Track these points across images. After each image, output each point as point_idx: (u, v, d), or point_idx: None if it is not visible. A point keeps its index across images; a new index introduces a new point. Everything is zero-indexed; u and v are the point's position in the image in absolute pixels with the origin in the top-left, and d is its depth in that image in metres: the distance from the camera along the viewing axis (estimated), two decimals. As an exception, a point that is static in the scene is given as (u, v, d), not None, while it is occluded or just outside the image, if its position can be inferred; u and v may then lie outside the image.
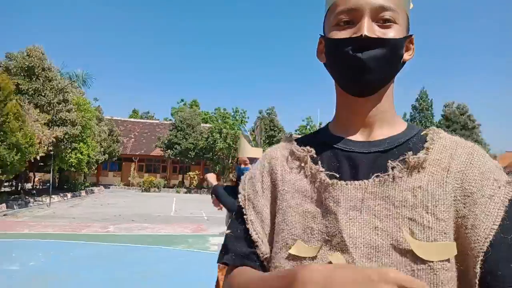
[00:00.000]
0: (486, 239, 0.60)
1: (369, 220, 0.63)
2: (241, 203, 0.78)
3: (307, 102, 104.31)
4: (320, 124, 34.55)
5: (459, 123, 32.03)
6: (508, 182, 0.64)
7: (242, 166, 3.08)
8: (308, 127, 40.52)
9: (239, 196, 0.79)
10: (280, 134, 31.33)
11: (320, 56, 0.79)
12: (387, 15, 0.67)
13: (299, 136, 0.87)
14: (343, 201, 0.65)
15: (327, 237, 0.65)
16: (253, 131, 3.37)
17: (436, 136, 0.71)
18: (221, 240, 0.88)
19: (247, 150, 3.12)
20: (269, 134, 31.10)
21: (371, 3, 0.67)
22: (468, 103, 33.95)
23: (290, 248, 0.67)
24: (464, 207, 0.62)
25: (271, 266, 0.70)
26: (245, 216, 0.75)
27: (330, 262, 0.62)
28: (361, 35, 0.65)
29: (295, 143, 0.78)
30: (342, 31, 0.69)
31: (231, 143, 28.45)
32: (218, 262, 0.78)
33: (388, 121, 0.74)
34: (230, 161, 29.70)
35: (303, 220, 0.68)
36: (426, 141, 0.70)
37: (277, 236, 0.71)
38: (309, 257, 0.65)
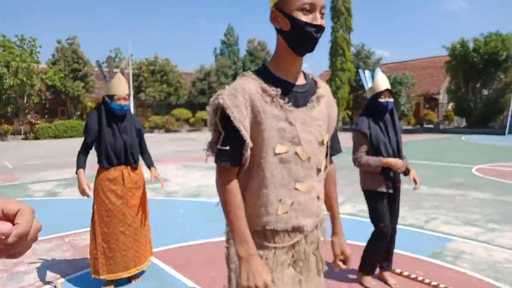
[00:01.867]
0: (333, 128, 1.35)
1: (307, 128, 1.21)
2: (235, 124, 1.13)
3: (114, 32, 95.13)
4: (131, 56, 32.53)
5: (260, 58, 35.85)
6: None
7: (122, 102, 2.89)
8: (117, 58, 37.69)
9: (232, 118, 1.13)
10: (86, 67, 28.07)
11: (275, 22, 1.17)
12: (323, 11, 1.15)
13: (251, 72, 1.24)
14: (297, 119, 1.19)
15: (292, 139, 1.19)
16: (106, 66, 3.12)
17: (317, 79, 1.33)
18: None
19: (124, 86, 2.96)
20: (74, 67, 27.48)
21: (321, 2, 1.14)
22: (267, 40, 38.26)
23: (274, 149, 1.17)
24: (332, 114, 1.35)
25: (263, 161, 1.17)
26: (241, 133, 1.13)
27: (296, 152, 1.18)
28: (320, 24, 1.13)
29: (263, 81, 1.18)
30: (305, 16, 1.12)
31: (24, 78, 23.96)
32: (225, 165, 1.17)
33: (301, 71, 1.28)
34: (25, 100, 25.24)
35: (278, 132, 1.17)
36: (316, 82, 1.29)
37: (261, 143, 1.16)
38: (284, 152, 1.17)
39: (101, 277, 2.88)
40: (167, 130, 30.24)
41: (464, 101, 25.59)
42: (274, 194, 1.19)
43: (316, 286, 1.32)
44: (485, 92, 25.14)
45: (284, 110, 1.17)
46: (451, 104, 28.56)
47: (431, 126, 29.20)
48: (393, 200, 2.95)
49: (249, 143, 1.15)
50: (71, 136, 24.74)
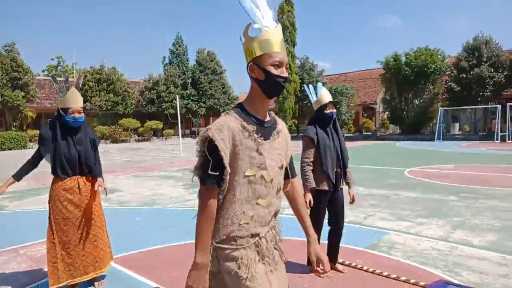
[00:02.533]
0: (289, 156, 1.69)
1: (270, 156, 1.54)
2: (221, 153, 1.42)
3: (56, 39, 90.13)
4: (75, 63, 31.10)
5: (210, 68, 36.04)
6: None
7: (77, 115, 3.01)
8: (60, 67, 35.84)
9: (220, 147, 1.42)
10: (26, 76, 26.35)
11: (252, 73, 1.52)
12: (287, 66, 1.53)
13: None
14: (265, 149, 1.51)
15: (260, 165, 1.50)
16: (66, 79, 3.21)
17: (276, 117, 1.67)
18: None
19: (79, 99, 3.09)
20: (12, 76, 25.68)
21: (286, 61, 1.51)
22: (216, 50, 38.79)
23: (245, 172, 1.48)
24: (288, 145, 1.68)
25: (235, 182, 1.47)
26: (223, 161, 1.43)
27: (262, 175, 1.50)
28: (286, 77, 1.52)
29: (242, 119, 1.50)
30: (275, 70, 1.49)
31: None
32: (206, 185, 1.45)
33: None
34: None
35: (250, 160, 1.49)
36: (275, 119, 1.65)
37: (235, 169, 1.47)
38: (252, 175, 1.48)
39: (62, 284, 2.96)
40: (114, 140, 29.25)
41: (397, 110, 27.76)
42: (239, 208, 1.50)
43: (283, 274, 1.64)
44: (417, 101, 27.47)
45: (257, 143, 1.49)
46: (386, 113, 30.76)
47: (369, 133, 31.22)
48: (335, 198, 3.38)
49: (228, 170, 1.45)
50: (10, 149, 23.06)
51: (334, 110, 3.36)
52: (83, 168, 3.07)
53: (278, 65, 1.49)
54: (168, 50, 38.37)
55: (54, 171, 3.01)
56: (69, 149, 3.00)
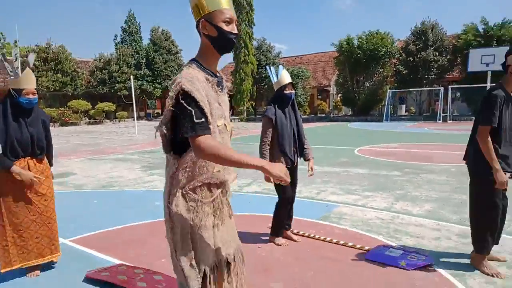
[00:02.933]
0: None
1: (225, 107, 1.68)
2: (201, 103, 1.49)
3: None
4: (17, 41, 28.84)
5: (165, 48, 34.99)
6: None
7: (31, 96, 2.95)
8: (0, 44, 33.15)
9: (198, 98, 1.48)
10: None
11: (204, 30, 1.58)
12: (237, 23, 1.62)
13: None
14: (222, 101, 1.66)
15: (222, 115, 1.63)
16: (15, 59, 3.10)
17: (219, 72, 1.72)
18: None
19: (33, 80, 3.03)
20: None
21: (235, 17, 1.60)
22: (171, 29, 37.58)
23: (217, 123, 1.58)
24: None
25: (212, 132, 1.53)
26: (205, 110, 1.50)
27: (225, 125, 1.65)
28: (237, 33, 1.60)
29: (203, 72, 1.59)
30: (227, 27, 1.57)
31: None
32: (199, 134, 1.47)
33: None
34: None
35: (216, 110, 1.59)
36: (220, 75, 1.72)
37: (211, 118, 1.54)
38: (221, 125, 1.61)
39: (15, 267, 2.95)
40: (64, 124, 27.83)
41: (350, 92, 28.84)
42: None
43: (231, 228, 1.78)
44: (367, 84, 28.67)
45: (217, 94, 1.62)
46: (339, 95, 31.83)
47: (324, 115, 32.24)
48: (292, 173, 3.63)
49: (210, 119, 1.53)
50: None
51: (293, 91, 3.57)
52: (35, 150, 3.03)
53: (229, 22, 1.58)
54: (120, 28, 36.64)
55: (3, 153, 2.92)
56: (21, 131, 2.94)
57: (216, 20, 1.56)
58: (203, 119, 1.49)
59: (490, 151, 2.75)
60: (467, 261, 3.12)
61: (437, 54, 25.02)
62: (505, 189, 2.91)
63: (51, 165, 3.26)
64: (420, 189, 5.79)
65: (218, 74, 1.69)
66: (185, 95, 1.47)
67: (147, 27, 58.20)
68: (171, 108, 1.51)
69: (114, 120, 31.93)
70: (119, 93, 31.82)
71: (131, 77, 18.73)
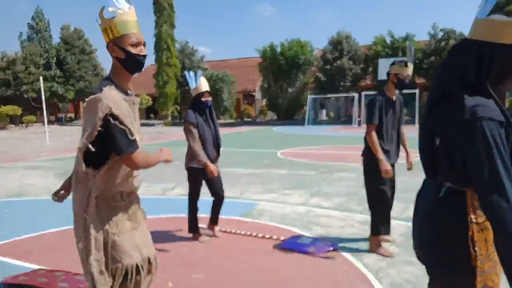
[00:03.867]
0: None
1: (137, 124, 1.81)
2: (129, 124, 1.64)
3: None
4: None
5: (77, 47, 32.79)
6: None
7: None
8: None
9: (127, 119, 1.64)
10: None
11: (114, 53, 1.71)
12: (145, 44, 1.77)
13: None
14: (135, 118, 1.76)
15: (138, 130, 1.75)
16: None
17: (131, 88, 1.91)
18: None
19: None
20: None
21: (143, 40, 1.74)
22: (83, 27, 35.39)
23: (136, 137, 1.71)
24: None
25: None
26: (132, 128, 1.66)
27: (140, 138, 1.74)
28: (145, 54, 1.74)
29: (122, 94, 1.73)
30: (135, 49, 1.70)
31: None
32: (132, 151, 1.65)
33: None
34: None
35: (133, 126, 1.69)
36: (131, 91, 1.86)
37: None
38: (139, 139, 1.73)
39: None
40: (-43, 129, 24.60)
41: (274, 97, 30.05)
42: (123, 169, 1.77)
43: (146, 229, 1.95)
44: (290, 90, 30.13)
45: (132, 112, 1.74)
46: (264, 100, 32.94)
47: (250, 119, 33.05)
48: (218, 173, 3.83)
49: (135, 136, 1.69)
50: None
51: (210, 99, 3.77)
52: None
53: (136, 45, 1.70)
54: (26, 25, 33.56)
55: None
56: None
57: (123, 43, 1.68)
58: (134, 137, 1.68)
59: (375, 145, 3.26)
60: (366, 243, 3.61)
61: (351, 62, 27.27)
62: (393, 180, 3.46)
63: None
64: (332, 186, 6.39)
65: (130, 91, 1.81)
66: (115, 117, 1.61)
67: (57, 25, 53.76)
68: (99, 128, 1.60)
69: (20, 125, 29.08)
70: (25, 96, 29.11)
71: (40, 78, 17.28)
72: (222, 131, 3.97)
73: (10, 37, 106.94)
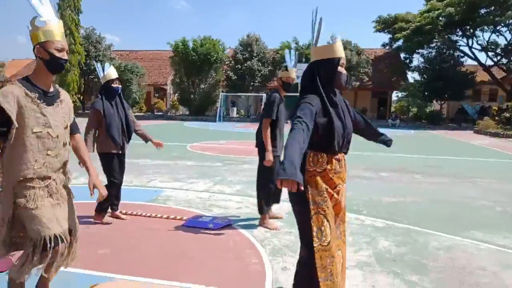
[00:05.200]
0: (71, 118, 2.30)
1: (54, 118, 2.10)
2: (8, 112, 1.89)
3: None
4: None
5: None
6: None
7: None
8: None
9: (5, 107, 1.88)
10: None
11: (39, 54, 2.00)
12: (68, 50, 2.11)
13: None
14: (48, 112, 2.05)
15: (45, 124, 2.03)
16: None
17: (60, 89, 2.22)
18: None
19: None
20: None
21: (67, 47, 2.09)
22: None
23: (33, 129, 1.99)
24: (71, 110, 2.29)
25: (25, 136, 1.98)
26: (12, 118, 1.91)
27: (48, 132, 2.04)
28: (67, 59, 2.09)
29: (25, 88, 1.98)
30: (58, 53, 2.02)
31: None
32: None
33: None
34: None
35: (35, 119, 1.99)
36: (59, 91, 2.19)
37: (23, 126, 1.96)
38: (39, 131, 2.01)
39: None
40: None
41: (186, 92, 30.00)
42: (32, 156, 2.02)
43: (71, 206, 2.24)
44: (202, 86, 30.37)
45: (39, 107, 2.02)
46: (176, 94, 32.65)
47: (161, 113, 32.44)
48: (122, 159, 4.08)
49: (16, 125, 1.94)
50: None
51: (120, 85, 4.02)
52: None
53: (60, 50, 2.05)
54: None
55: None
56: None
57: (49, 47, 2.02)
58: (5, 128, 1.97)
59: (267, 137, 3.88)
60: (258, 221, 4.23)
61: (260, 64, 28.60)
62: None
63: None
64: (235, 176, 7.00)
65: (51, 90, 2.12)
66: None
67: None
68: None
69: None
70: None
71: None
72: None
73: None
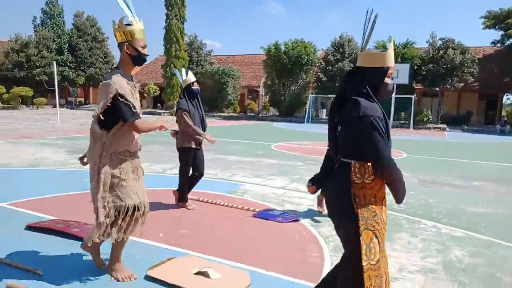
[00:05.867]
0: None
1: (137, 102, 2.58)
2: (131, 101, 2.42)
3: None
4: None
5: (90, 35, 33.68)
6: None
7: None
8: None
9: (129, 97, 2.41)
10: None
11: (128, 50, 2.47)
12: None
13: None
14: (135, 97, 2.57)
15: (138, 105, 2.57)
16: None
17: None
18: None
19: None
20: None
21: (146, 44, 2.56)
22: (97, 15, 36.20)
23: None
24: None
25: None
26: (134, 103, 2.46)
27: (139, 114, 2.51)
28: (148, 54, 2.60)
29: (125, 79, 2.48)
30: (143, 50, 2.53)
31: None
32: (133, 120, 2.42)
33: None
34: None
35: (136, 102, 2.53)
36: (132, 77, 2.65)
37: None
38: (137, 110, 2.51)
39: None
40: (-30, 107, 25.52)
41: (277, 94, 30.71)
42: (128, 134, 2.55)
43: (143, 182, 2.72)
44: (293, 87, 30.78)
45: (134, 93, 2.54)
46: (267, 96, 33.61)
47: (253, 114, 33.75)
48: (199, 153, 4.58)
49: (137, 109, 2.49)
50: None
51: (198, 88, 4.54)
52: None
53: (143, 47, 2.51)
54: (39, 10, 34.45)
55: None
56: None
57: (136, 45, 2.48)
58: (136, 110, 2.46)
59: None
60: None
61: (352, 65, 27.83)
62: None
63: None
64: (313, 174, 7.11)
65: (132, 78, 2.61)
66: (121, 96, 2.40)
67: (70, 11, 54.91)
68: (108, 104, 2.38)
69: (31, 106, 30.00)
70: (37, 78, 29.99)
71: (54, 62, 18.13)
72: (225, 124, 4.89)
73: (24, 20, 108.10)
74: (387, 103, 23.66)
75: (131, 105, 2.43)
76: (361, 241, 1.91)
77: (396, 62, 24.59)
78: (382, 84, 2.04)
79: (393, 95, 22.80)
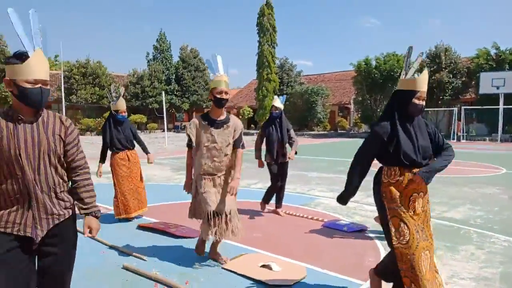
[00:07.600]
0: (236, 137, 3.54)
1: (220, 136, 3.38)
2: (190, 134, 3.35)
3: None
4: (57, 56, 32.14)
5: (193, 65, 37.47)
6: None
7: (124, 114, 5.03)
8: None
9: (189, 132, 3.35)
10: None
11: (211, 97, 3.34)
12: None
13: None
14: (215, 133, 3.36)
15: (213, 141, 3.35)
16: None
17: (231, 116, 3.52)
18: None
19: (124, 104, 5.02)
20: (1, 68, 26.56)
21: (225, 89, 3.33)
22: (199, 47, 40.59)
23: (204, 143, 3.37)
24: (237, 130, 3.49)
25: (201, 147, 3.38)
26: (192, 137, 3.35)
27: (214, 146, 3.34)
28: (226, 98, 3.35)
29: (202, 120, 3.38)
30: (220, 95, 3.30)
31: None
32: (188, 147, 3.39)
33: None
34: None
35: (206, 137, 3.36)
36: (229, 118, 3.46)
37: (201, 141, 3.35)
38: (208, 145, 3.37)
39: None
40: (100, 133, 30.44)
41: (368, 110, 30.07)
42: (203, 160, 3.33)
43: (227, 195, 3.41)
44: (385, 103, 29.80)
45: (209, 130, 3.30)
46: (358, 113, 33.07)
47: (344, 131, 33.47)
48: (281, 167, 5.25)
49: (194, 141, 3.31)
50: None
51: (278, 111, 5.22)
52: (128, 145, 5.14)
53: (220, 93, 3.25)
54: (151, 46, 39.70)
55: (109, 147, 5.10)
56: (119, 134, 4.97)
57: (215, 92, 3.28)
58: (191, 142, 3.33)
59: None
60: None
61: (451, 76, 26.01)
62: None
63: (146, 153, 5.47)
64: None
65: (220, 118, 3.35)
66: (187, 130, 3.31)
67: (177, 45, 61.91)
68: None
69: (145, 131, 34.42)
70: (150, 106, 34.37)
71: (163, 92, 20.89)
72: (313, 142, 5.37)
73: (139, 57, 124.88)
74: (494, 114, 21.54)
75: (188, 139, 3.38)
76: (390, 226, 2.46)
77: (503, 69, 22.35)
78: (411, 104, 2.48)
79: (501, 106, 20.72)
